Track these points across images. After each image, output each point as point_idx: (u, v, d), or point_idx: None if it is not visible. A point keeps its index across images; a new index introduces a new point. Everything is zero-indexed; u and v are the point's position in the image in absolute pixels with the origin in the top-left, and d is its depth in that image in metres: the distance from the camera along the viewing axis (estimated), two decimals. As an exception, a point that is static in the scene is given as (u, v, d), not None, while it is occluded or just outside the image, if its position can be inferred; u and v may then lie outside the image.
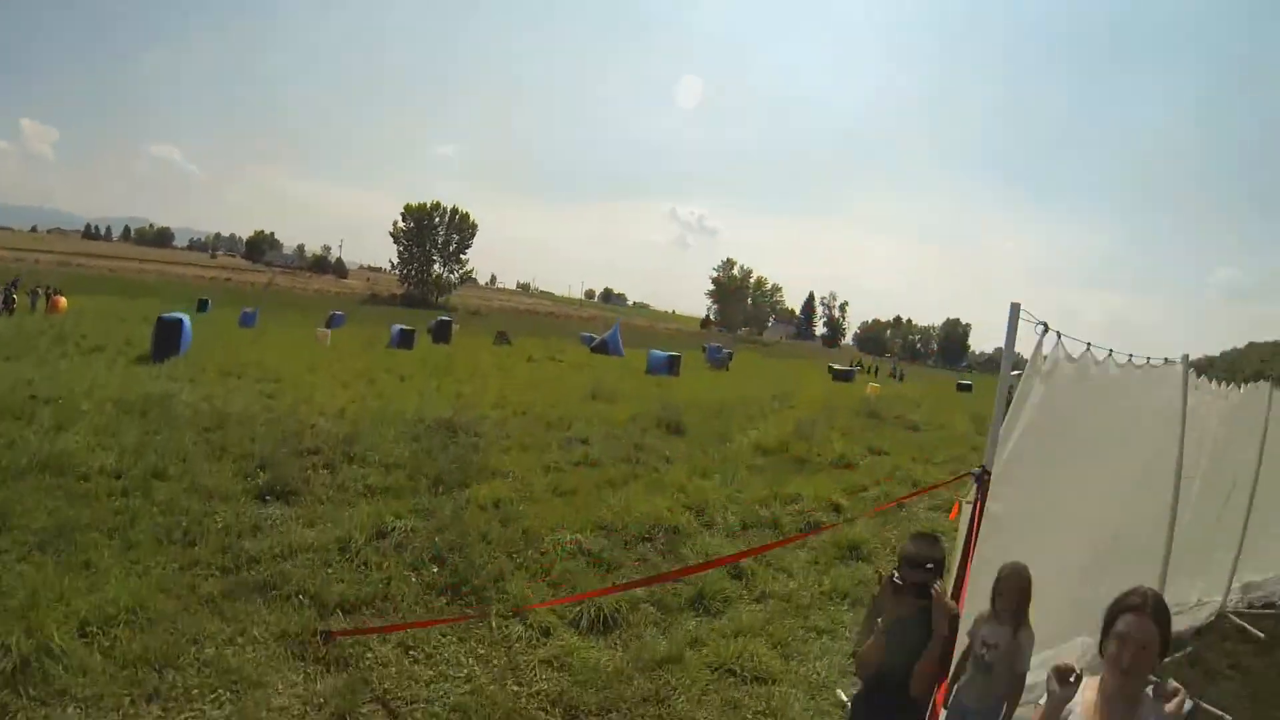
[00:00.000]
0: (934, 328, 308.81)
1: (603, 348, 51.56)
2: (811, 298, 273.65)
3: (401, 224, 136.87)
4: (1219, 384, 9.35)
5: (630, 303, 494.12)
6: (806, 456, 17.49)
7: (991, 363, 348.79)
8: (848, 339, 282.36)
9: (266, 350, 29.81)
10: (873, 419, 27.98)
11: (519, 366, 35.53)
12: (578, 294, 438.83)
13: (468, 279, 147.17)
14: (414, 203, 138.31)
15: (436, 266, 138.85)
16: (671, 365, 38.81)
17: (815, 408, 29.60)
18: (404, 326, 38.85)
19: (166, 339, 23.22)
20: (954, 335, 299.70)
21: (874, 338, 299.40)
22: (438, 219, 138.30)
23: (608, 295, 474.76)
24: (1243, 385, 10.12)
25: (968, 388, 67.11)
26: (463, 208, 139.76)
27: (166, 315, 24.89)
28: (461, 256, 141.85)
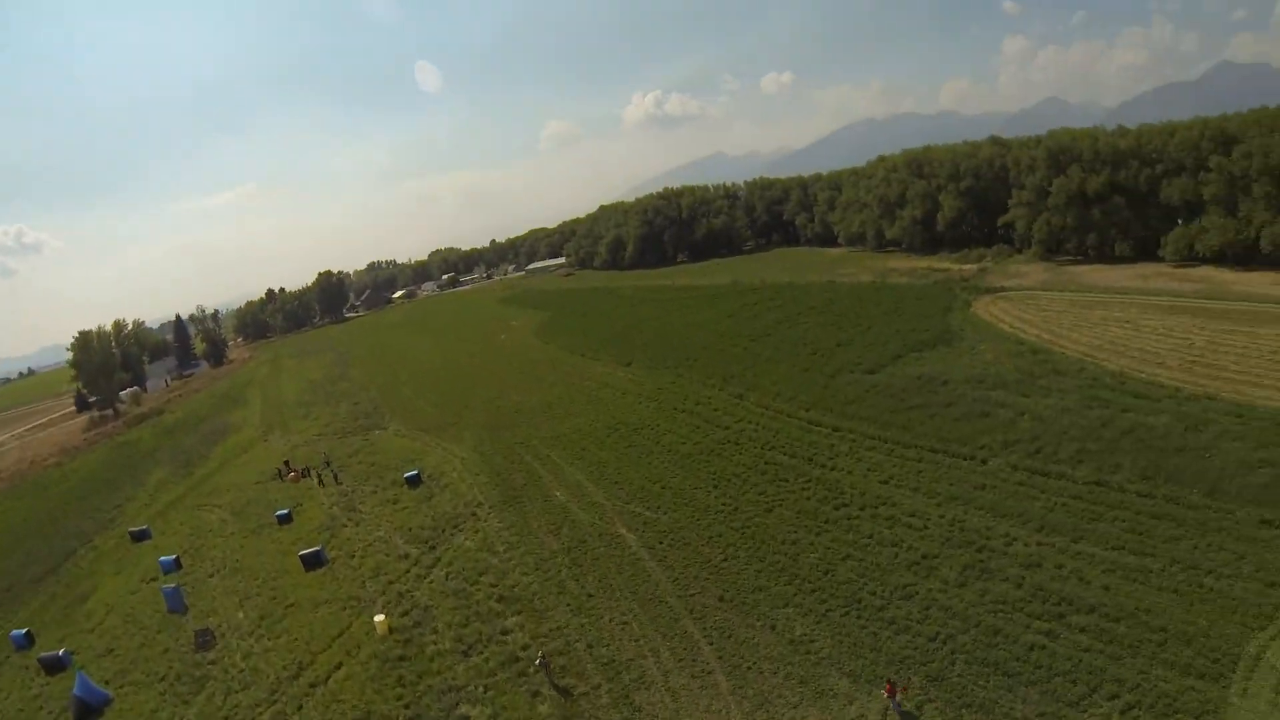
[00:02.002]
0: (310, 288, 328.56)
1: (85, 711, 46.13)
2: (180, 320, 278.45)
3: None
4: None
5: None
6: None
7: (378, 294, 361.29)
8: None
9: None
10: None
11: None
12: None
13: None
14: None
15: None
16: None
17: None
18: None
19: None
20: (329, 287, 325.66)
21: (254, 322, 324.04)
22: None
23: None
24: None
25: (415, 480, 71.29)
26: None
27: None
28: None
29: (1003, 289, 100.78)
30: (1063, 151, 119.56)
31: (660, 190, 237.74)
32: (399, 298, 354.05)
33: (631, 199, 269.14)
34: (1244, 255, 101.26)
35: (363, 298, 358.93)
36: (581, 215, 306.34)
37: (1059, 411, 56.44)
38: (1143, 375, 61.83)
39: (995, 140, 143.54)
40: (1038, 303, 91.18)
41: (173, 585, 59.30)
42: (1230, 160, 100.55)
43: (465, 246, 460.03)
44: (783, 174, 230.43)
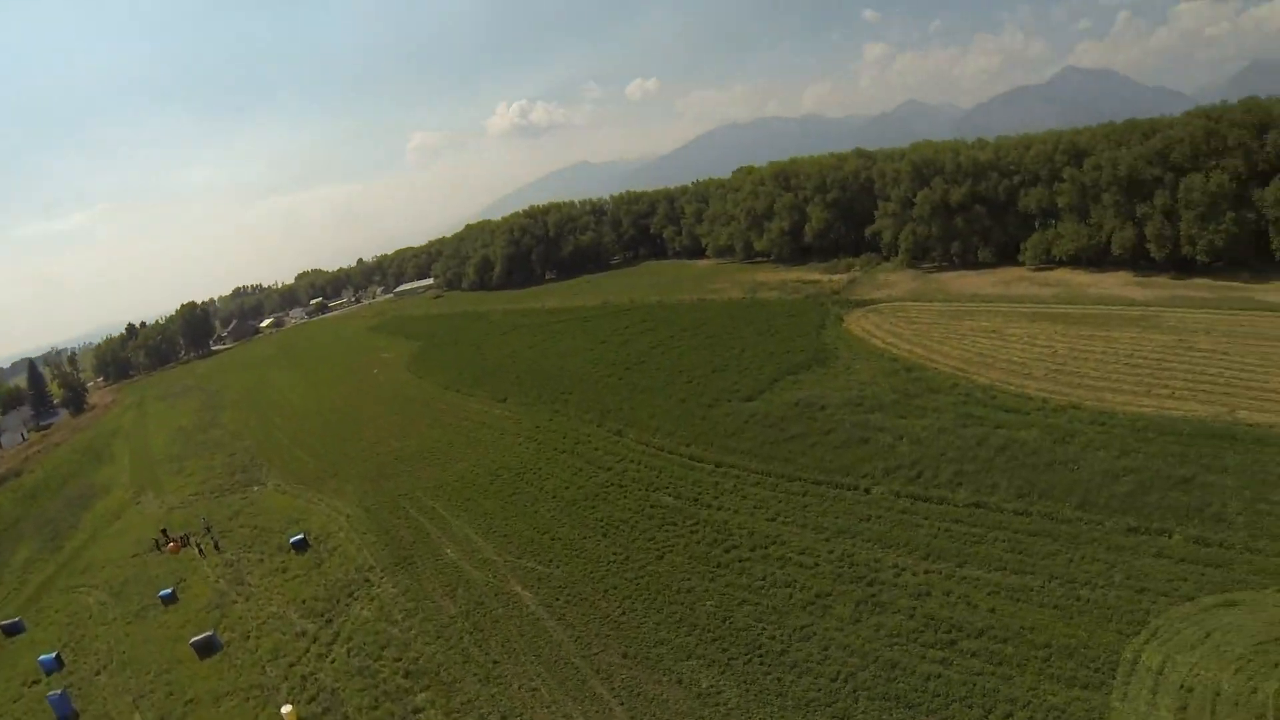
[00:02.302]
0: (173, 320, 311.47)
1: None
2: (33, 364, 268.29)
3: None
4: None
5: None
6: None
7: (245, 324, 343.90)
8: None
9: None
10: None
11: None
12: None
13: None
14: None
15: None
16: None
17: None
18: None
19: None
20: (194, 319, 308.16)
21: (115, 360, 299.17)
22: None
23: None
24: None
25: (301, 544, 70.48)
26: None
27: None
28: None
29: (873, 301, 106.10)
30: (926, 164, 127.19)
31: (526, 208, 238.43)
32: (267, 327, 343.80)
33: (498, 212, 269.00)
34: (1096, 258, 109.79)
35: (229, 328, 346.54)
36: (448, 233, 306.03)
37: (936, 432, 60.06)
38: (1012, 388, 66.46)
39: (860, 152, 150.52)
40: (908, 314, 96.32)
41: (58, 690, 55.27)
42: (1082, 171, 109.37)
43: (333, 266, 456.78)
44: (648, 180, 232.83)
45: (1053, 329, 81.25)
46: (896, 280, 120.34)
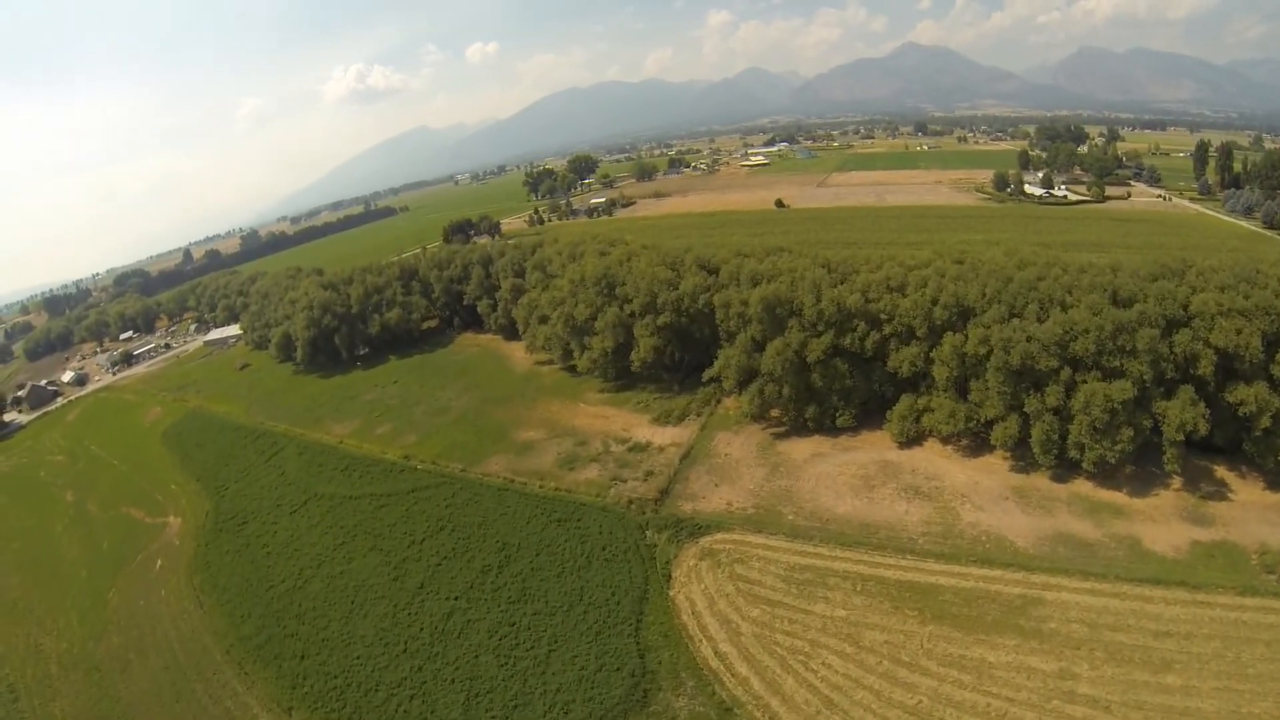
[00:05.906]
0: None
1: None
2: None
3: None
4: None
5: None
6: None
7: (44, 390, 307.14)
8: None
9: None
10: None
11: None
12: None
13: None
14: None
15: None
16: None
17: None
18: None
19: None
20: None
21: None
22: None
23: None
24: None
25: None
26: None
27: None
28: None
29: (708, 526, 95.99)
30: (781, 303, 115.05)
31: (324, 279, 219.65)
32: (69, 384, 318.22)
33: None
34: (973, 435, 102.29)
35: (26, 389, 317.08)
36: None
37: None
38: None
39: (702, 263, 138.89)
40: (748, 568, 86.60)
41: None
42: (965, 340, 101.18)
43: (156, 249, 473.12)
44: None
45: (920, 633, 72.51)
46: (739, 460, 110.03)
